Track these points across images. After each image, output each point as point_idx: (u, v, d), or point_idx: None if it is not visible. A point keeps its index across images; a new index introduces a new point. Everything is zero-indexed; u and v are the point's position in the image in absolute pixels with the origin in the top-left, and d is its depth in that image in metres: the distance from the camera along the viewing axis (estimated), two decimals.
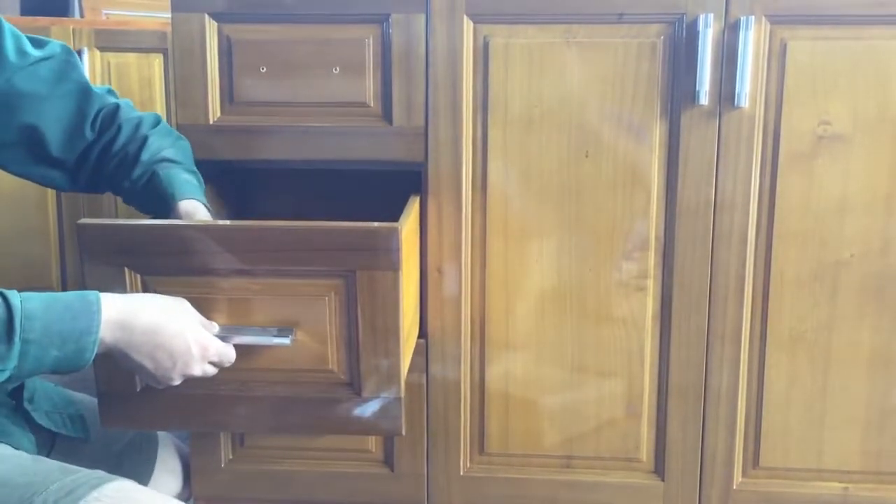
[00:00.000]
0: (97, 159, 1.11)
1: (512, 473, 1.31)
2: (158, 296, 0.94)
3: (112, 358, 0.90)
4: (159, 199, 1.09)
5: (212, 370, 0.95)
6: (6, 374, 0.81)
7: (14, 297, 0.81)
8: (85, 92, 1.11)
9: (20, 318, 0.80)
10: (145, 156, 1.10)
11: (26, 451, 0.99)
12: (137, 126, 1.12)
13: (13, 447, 0.97)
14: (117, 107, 1.13)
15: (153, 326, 0.89)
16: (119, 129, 1.11)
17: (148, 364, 0.90)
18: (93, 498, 0.84)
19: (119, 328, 0.87)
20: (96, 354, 0.86)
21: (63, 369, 0.85)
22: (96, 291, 0.86)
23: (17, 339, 0.80)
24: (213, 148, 1.22)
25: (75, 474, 0.88)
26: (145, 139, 1.11)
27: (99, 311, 0.85)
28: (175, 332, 0.90)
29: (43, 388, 1.11)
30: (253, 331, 0.97)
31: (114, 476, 0.89)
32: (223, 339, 0.95)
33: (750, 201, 1.20)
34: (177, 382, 0.93)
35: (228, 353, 0.96)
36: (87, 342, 0.84)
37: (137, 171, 1.10)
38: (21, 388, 1.06)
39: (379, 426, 1.01)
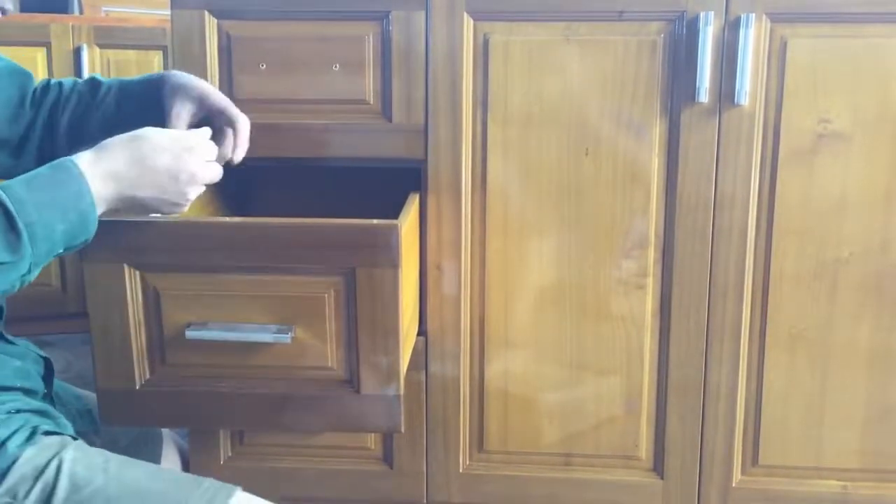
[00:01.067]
0: (47, 121, 1.10)
1: (511, 471, 1.31)
2: (119, 136, 0.90)
3: (123, 210, 0.89)
4: (137, 94, 1.07)
5: (215, 167, 0.95)
6: (27, 263, 0.80)
7: None
8: (24, 73, 1.11)
9: (11, 204, 0.79)
10: (105, 81, 1.11)
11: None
12: (74, 80, 1.13)
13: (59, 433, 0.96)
14: (47, 80, 1.14)
15: (134, 157, 0.88)
16: (60, 85, 1.12)
17: (157, 193, 0.89)
18: None
19: (107, 176, 0.86)
20: (103, 213, 0.86)
21: (75, 242, 0.84)
22: (66, 157, 0.85)
23: (20, 224, 0.79)
24: None
25: (204, 483, 0.90)
26: (93, 77, 1.12)
27: (79, 171, 0.84)
28: (156, 148, 0.89)
29: None
30: (252, 328, 0.97)
31: (234, 486, 0.91)
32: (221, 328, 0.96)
33: (749, 199, 1.20)
34: (193, 195, 0.93)
35: (204, 144, 0.95)
36: (86, 204, 0.83)
37: (102, 91, 1.10)
38: (51, 375, 1.05)
39: (378, 423, 1.01)
